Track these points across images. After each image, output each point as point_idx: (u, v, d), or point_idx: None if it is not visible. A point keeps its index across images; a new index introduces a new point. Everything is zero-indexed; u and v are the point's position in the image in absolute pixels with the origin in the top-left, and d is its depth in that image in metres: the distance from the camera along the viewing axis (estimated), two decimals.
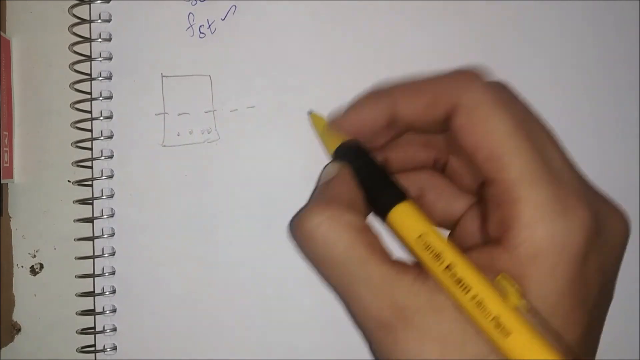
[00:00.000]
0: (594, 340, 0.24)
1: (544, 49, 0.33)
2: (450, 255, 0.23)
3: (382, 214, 0.26)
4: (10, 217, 0.33)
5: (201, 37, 0.32)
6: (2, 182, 0.32)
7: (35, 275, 0.33)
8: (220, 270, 0.32)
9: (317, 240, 0.24)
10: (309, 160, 0.32)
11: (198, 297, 0.32)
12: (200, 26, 0.32)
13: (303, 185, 0.32)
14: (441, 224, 0.29)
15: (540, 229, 0.22)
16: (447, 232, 0.29)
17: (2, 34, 0.32)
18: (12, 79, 0.33)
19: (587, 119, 0.33)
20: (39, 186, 0.33)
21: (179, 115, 0.32)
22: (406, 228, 0.25)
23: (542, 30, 0.33)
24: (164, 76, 0.32)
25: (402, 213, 0.25)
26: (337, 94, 0.32)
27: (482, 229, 0.26)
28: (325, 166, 0.29)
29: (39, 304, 0.33)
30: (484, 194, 0.24)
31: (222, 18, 0.32)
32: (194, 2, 0.32)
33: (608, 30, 0.33)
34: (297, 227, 0.25)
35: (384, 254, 0.24)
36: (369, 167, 0.27)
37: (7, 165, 0.32)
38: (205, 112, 0.32)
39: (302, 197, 0.31)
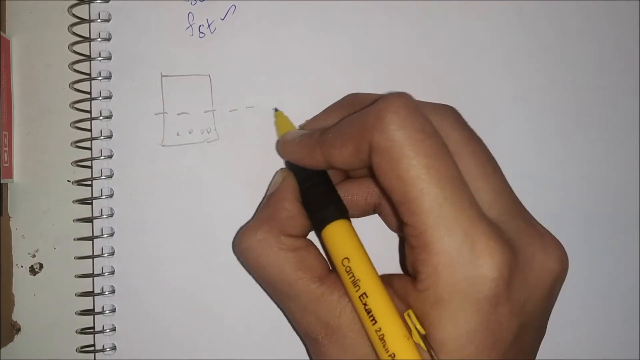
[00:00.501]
0: None
1: (543, 49, 0.33)
2: (368, 284, 0.24)
3: (317, 229, 0.26)
4: (10, 217, 0.33)
5: (201, 37, 0.32)
6: (1, 181, 0.32)
7: (34, 275, 0.33)
8: (220, 270, 0.32)
9: (250, 261, 0.26)
10: None
11: (197, 296, 0.32)
12: (200, 26, 0.32)
13: None
14: (397, 232, 0.30)
15: (444, 277, 0.22)
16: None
17: (2, 34, 0.32)
18: (11, 79, 0.33)
19: (587, 119, 0.33)
20: (39, 186, 0.33)
21: (178, 115, 0.32)
22: (334, 248, 0.25)
23: (541, 30, 0.33)
24: (164, 76, 0.32)
25: (334, 232, 0.26)
26: (336, 94, 0.32)
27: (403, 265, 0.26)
28: (277, 172, 0.29)
29: (38, 304, 0.33)
30: (403, 232, 0.24)
31: (222, 18, 0.32)
32: (194, 2, 0.32)
33: (608, 30, 0.33)
34: (235, 247, 0.27)
35: (314, 272, 0.25)
36: (313, 179, 0.27)
37: (7, 165, 0.32)
38: (204, 112, 0.32)
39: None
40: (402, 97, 0.23)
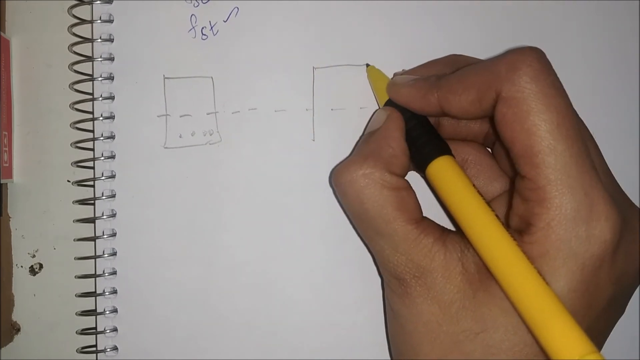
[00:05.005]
0: None
1: (543, 49, 0.34)
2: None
3: (422, 166, 0.27)
4: (9, 217, 0.33)
5: (203, 39, 0.32)
6: (1, 182, 0.32)
7: (34, 275, 0.33)
8: (222, 271, 0.32)
9: (350, 195, 0.26)
10: (310, 162, 0.32)
11: (199, 298, 0.32)
12: (203, 28, 0.32)
13: (304, 187, 0.32)
14: (506, 172, 0.30)
15: (556, 232, 0.22)
16: None
17: (2, 34, 0.32)
18: (11, 79, 0.33)
19: (587, 119, 0.34)
20: (39, 186, 0.33)
21: (181, 116, 0.32)
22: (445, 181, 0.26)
23: (541, 31, 0.33)
24: (166, 78, 0.32)
25: (446, 165, 0.26)
26: (338, 94, 0.32)
27: (506, 216, 0.26)
28: (376, 111, 0.30)
29: (38, 304, 0.33)
30: (515, 185, 0.24)
31: (224, 20, 0.32)
32: (196, 4, 0.32)
33: (608, 30, 0.34)
34: (334, 180, 0.27)
35: (411, 214, 0.25)
36: (416, 119, 0.28)
37: (7, 165, 0.32)
38: (207, 114, 0.32)
39: (303, 198, 0.32)
40: (536, 51, 0.24)
